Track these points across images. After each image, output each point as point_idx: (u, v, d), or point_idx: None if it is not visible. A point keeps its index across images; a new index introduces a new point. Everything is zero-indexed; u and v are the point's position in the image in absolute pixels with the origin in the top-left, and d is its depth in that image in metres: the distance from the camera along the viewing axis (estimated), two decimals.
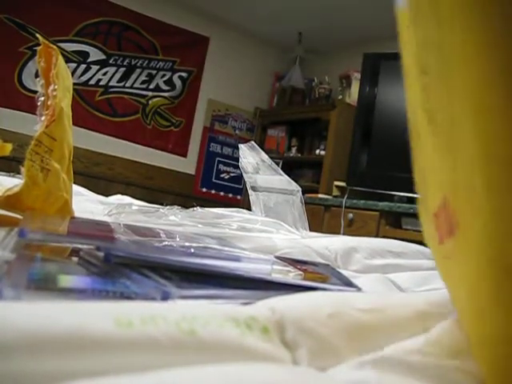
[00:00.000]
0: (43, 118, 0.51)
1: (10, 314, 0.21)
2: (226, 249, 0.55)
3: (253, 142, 0.71)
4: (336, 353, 0.29)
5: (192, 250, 0.48)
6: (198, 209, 1.00)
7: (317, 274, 0.53)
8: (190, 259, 0.42)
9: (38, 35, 0.56)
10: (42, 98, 0.53)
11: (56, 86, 0.52)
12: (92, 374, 0.20)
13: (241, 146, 0.70)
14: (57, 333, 0.21)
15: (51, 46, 0.55)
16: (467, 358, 0.27)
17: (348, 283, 0.49)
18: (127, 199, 1.46)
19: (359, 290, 0.48)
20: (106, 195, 1.48)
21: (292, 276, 0.48)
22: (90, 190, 1.50)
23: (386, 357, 0.28)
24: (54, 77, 0.52)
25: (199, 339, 0.24)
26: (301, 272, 0.51)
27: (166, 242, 0.50)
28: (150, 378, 0.20)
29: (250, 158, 0.64)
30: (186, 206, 1.01)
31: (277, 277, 0.46)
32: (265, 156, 0.67)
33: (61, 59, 0.55)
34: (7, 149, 0.57)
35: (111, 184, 3.54)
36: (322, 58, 4.15)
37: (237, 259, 0.50)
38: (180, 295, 0.33)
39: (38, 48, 0.55)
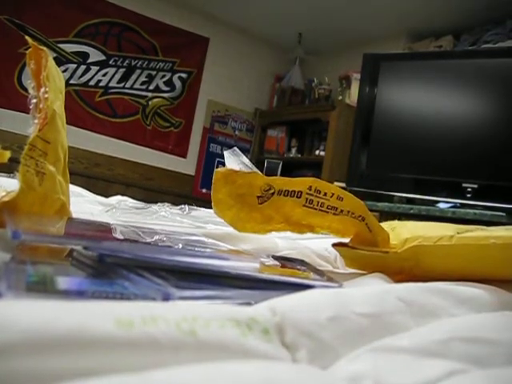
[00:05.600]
0: (36, 122, 0.51)
1: (11, 313, 0.21)
2: (215, 248, 0.55)
3: (235, 148, 0.71)
4: (335, 354, 0.29)
5: (183, 250, 0.48)
6: (187, 207, 1.00)
7: (298, 271, 0.53)
8: (183, 258, 0.42)
9: (26, 37, 0.56)
10: (34, 101, 0.53)
11: (47, 89, 0.52)
12: (92, 374, 0.20)
13: (225, 152, 0.71)
14: (57, 332, 0.21)
15: (41, 47, 0.55)
16: None
17: (329, 279, 0.51)
18: (127, 200, 1.46)
19: (340, 285, 0.49)
20: (106, 196, 1.48)
21: (279, 273, 0.49)
22: (90, 190, 1.50)
23: (380, 346, 0.29)
24: (45, 79, 0.52)
25: (199, 340, 0.24)
26: (287, 269, 0.52)
27: (158, 241, 0.51)
28: (150, 377, 0.20)
29: (234, 164, 0.65)
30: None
31: (266, 275, 0.46)
32: (246, 160, 0.68)
33: (51, 60, 0.55)
34: (5, 156, 0.58)
35: (111, 185, 3.54)
36: (322, 58, 4.15)
37: (225, 258, 0.50)
38: (180, 296, 0.33)
39: (28, 50, 0.55)
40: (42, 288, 0.31)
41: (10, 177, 1.16)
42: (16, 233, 0.35)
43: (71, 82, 3.46)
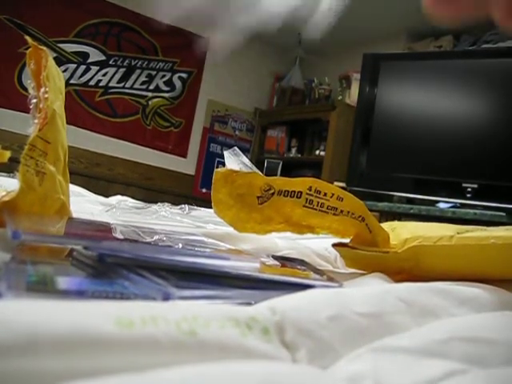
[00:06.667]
0: (36, 121, 0.51)
1: (10, 313, 0.21)
2: (215, 247, 0.55)
3: (235, 148, 0.71)
4: (335, 354, 0.29)
5: (183, 249, 0.48)
6: (187, 207, 1.00)
7: (298, 271, 0.53)
8: (183, 258, 0.42)
9: (26, 37, 0.56)
10: (35, 101, 0.53)
11: (47, 89, 0.52)
12: (92, 374, 0.20)
13: (225, 152, 0.71)
14: (57, 332, 0.21)
15: (40, 47, 0.55)
16: None
17: (329, 278, 0.51)
18: (127, 200, 1.46)
19: (340, 285, 0.49)
20: (106, 196, 1.48)
21: (279, 273, 0.49)
22: (90, 190, 1.50)
23: (380, 346, 0.29)
24: (45, 79, 0.52)
25: (199, 340, 0.24)
26: (287, 269, 0.52)
27: (158, 240, 0.51)
28: (150, 377, 0.20)
29: (234, 164, 0.65)
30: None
31: (266, 275, 0.46)
32: (246, 160, 0.68)
33: (51, 60, 0.55)
34: (5, 156, 0.58)
35: (111, 184, 3.54)
36: (322, 58, 4.15)
37: (226, 257, 0.50)
38: (180, 296, 0.33)
39: (28, 50, 0.55)
40: (42, 288, 0.31)
41: (10, 177, 1.16)
42: (16, 233, 0.35)
43: (71, 81, 3.46)
